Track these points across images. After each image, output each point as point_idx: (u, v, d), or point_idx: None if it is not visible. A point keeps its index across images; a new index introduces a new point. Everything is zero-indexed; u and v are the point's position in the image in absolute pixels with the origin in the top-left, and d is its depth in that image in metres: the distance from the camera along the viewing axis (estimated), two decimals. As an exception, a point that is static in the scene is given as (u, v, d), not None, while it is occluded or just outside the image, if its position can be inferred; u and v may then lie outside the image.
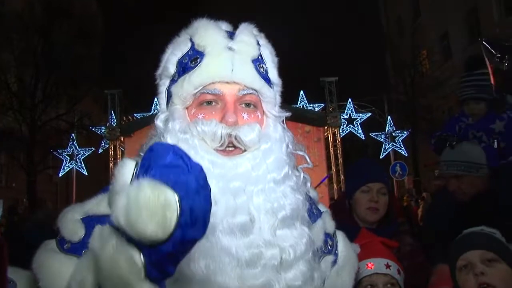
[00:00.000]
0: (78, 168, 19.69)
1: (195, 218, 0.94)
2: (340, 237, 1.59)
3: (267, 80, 1.40)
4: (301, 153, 1.48)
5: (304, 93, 18.31)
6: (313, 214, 1.47)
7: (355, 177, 2.86)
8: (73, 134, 20.30)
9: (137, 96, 19.43)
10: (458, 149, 3.28)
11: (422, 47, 25.51)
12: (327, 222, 1.51)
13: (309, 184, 1.47)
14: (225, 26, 1.45)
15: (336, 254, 1.51)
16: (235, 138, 1.28)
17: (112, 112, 17.76)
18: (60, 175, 20.50)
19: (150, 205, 0.88)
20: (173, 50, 1.43)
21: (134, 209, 0.88)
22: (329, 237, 1.51)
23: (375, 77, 23.78)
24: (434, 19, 24.97)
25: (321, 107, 18.23)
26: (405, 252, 2.56)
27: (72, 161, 19.64)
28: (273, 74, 1.45)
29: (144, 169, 0.95)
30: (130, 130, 16.72)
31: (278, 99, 1.47)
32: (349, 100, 19.29)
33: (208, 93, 1.32)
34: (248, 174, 1.27)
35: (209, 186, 0.99)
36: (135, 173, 0.97)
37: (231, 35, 1.40)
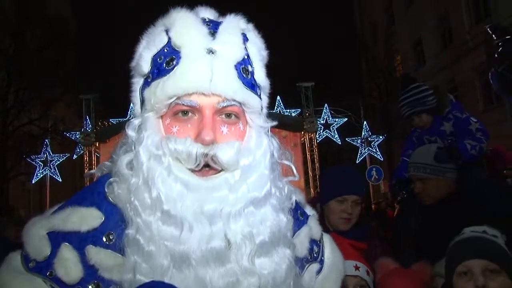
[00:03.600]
0: (51, 175, 19.30)
1: None
2: (327, 242, 1.53)
3: (252, 86, 1.25)
4: (287, 163, 1.37)
5: (280, 98, 18.40)
6: (299, 220, 1.40)
7: (332, 186, 2.83)
8: (46, 140, 19.88)
9: (112, 101, 19.13)
10: (425, 151, 3.30)
11: (396, 53, 25.98)
12: (313, 228, 1.44)
13: (294, 198, 1.38)
14: (208, 12, 1.31)
15: (322, 261, 1.46)
16: (212, 158, 1.16)
17: (87, 117, 17.49)
18: (33, 182, 20.05)
19: None
20: (147, 44, 1.28)
21: None
22: (315, 244, 1.45)
23: (351, 82, 24.06)
24: (407, 26, 25.47)
25: (298, 112, 18.35)
26: (374, 254, 2.60)
27: (46, 167, 19.23)
28: (260, 75, 1.30)
29: None
30: (106, 136, 16.51)
31: (266, 100, 1.36)
32: (325, 105, 19.47)
33: (183, 104, 1.18)
34: (225, 197, 1.17)
35: None
36: None
37: (214, 28, 1.24)
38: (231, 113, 1.22)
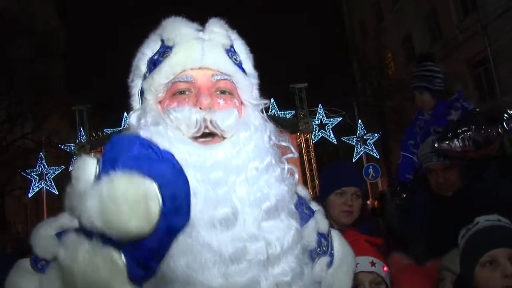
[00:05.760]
0: (48, 188, 19.15)
1: (178, 205, 0.89)
2: (336, 236, 1.54)
3: (241, 68, 1.35)
4: (284, 143, 1.41)
5: (274, 100, 18.40)
6: (305, 214, 1.41)
7: (330, 179, 2.86)
8: (41, 153, 19.75)
9: (106, 111, 19.08)
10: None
11: (387, 50, 26.05)
12: (320, 222, 1.45)
13: (296, 176, 1.41)
14: (195, 25, 1.39)
15: (331, 255, 1.46)
16: (211, 123, 1.21)
17: (81, 129, 17.40)
18: (29, 196, 19.90)
19: (130, 198, 0.83)
20: (143, 50, 1.39)
21: (111, 206, 0.83)
22: (323, 237, 1.45)
23: (344, 81, 24.03)
24: (397, 23, 25.57)
25: (292, 114, 18.35)
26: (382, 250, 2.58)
27: (42, 181, 19.09)
28: (248, 66, 1.40)
29: (110, 163, 0.89)
30: (100, 146, 16.44)
31: (256, 92, 1.41)
32: (320, 105, 19.48)
33: (180, 81, 1.27)
34: (228, 162, 1.20)
35: (184, 171, 0.93)
36: (99, 170, 0.90)
37: (201, 30, 1.36)
38: (225, 90, 1.30)
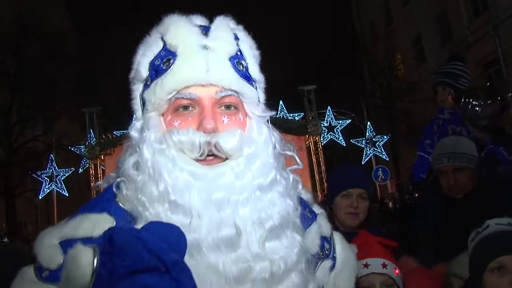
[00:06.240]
0: (58, 190, 19.30)
1: None
2: (338, 239, 1.53)
3: (247, 78, 1.30)
4: (289, 153, 1.38)
5: (283, 102, 18.38)
6: (307, 218, 1.41)
7: (336, 182, 2.87)
8: (51, 155, 19.92)
9: (115, 113, 19.16)
10: (456, 141, 3.29)
11: (396, 51, 25.93)
12: (322, 225, 1.44)
13: (300, 186, 1.39)
14: (200, 20, 1.35)
15: (334, 258, 1.46)
16: (215, 146, 1.19)
17: (91, 131, 17.52)
18: (40, 198, 20.07)
19: None
20: (144, 51, 1.33)
21: None
22: (326, 241, 1.44)
23: (353, 83, 23.94)
24: (406, 24, 25.45)
25: (301, 116, 18.32)
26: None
27: (52, 183, 19.24)
28: (254, 70, 1.36)
29: (109, 272, 0.87)
30: (110, 148, 16.54)
31: (262, 96, 1.39)
32: (328, 107, 19.42)
33: (183, 98, 1.23)
34: (232, 184, 1.18)
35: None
36: (96, 271, 0.91)
37: (206, 30, 1.29)
38: (230, 105, 1.26)
